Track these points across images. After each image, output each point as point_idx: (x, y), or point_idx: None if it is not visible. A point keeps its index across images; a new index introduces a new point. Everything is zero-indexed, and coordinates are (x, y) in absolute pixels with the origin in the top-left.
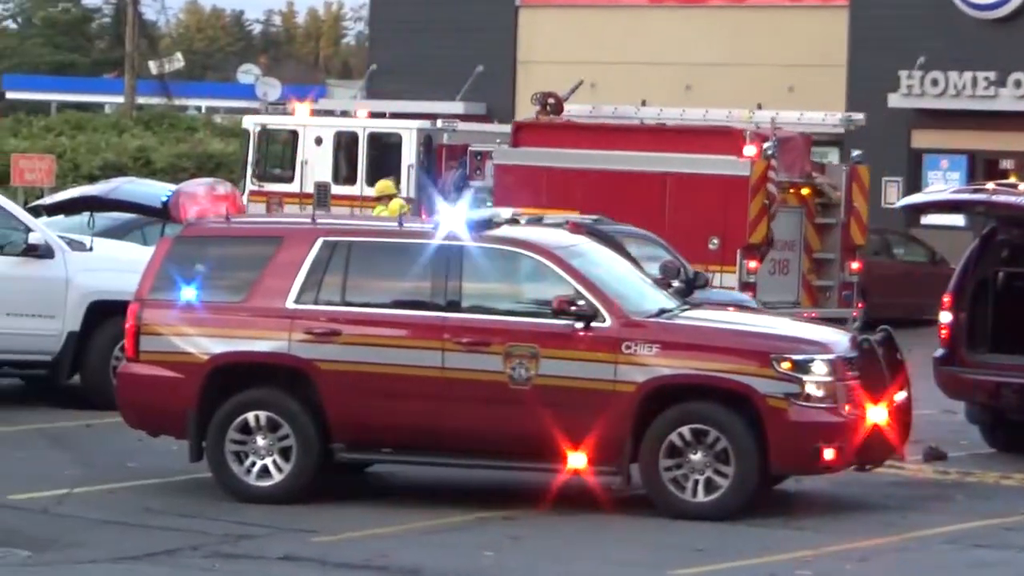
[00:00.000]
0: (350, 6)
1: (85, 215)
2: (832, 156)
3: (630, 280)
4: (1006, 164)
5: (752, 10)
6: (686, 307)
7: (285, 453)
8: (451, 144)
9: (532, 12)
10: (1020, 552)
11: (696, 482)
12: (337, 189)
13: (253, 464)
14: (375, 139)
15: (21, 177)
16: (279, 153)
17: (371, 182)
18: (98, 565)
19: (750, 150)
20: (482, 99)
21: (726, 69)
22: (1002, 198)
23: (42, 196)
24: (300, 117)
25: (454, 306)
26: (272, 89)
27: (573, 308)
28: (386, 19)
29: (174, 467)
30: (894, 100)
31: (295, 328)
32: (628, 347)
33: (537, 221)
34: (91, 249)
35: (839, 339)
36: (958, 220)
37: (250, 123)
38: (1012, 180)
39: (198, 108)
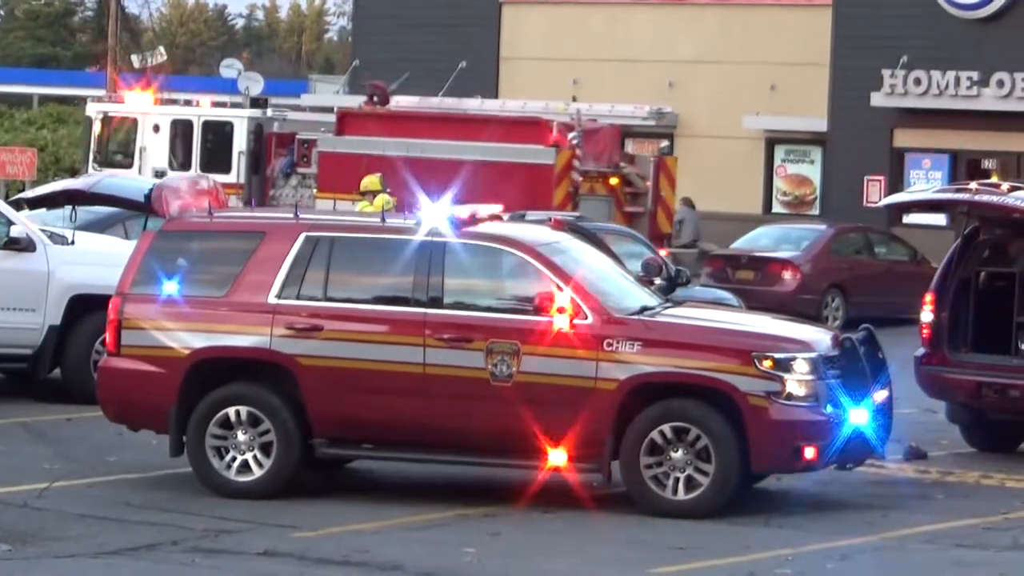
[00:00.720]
0: (333, 1)
1: (67, 209)
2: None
3: (612, 277)
4: (988, 164)
5: (736, 8)
6: (668, 305)
7: (266, 448)
8: (280, 132)
9: (516, 9)
10: (1000, 552)
11: (677, 480)
12: (173, 175)
13: (234, 459)
14: (209, 127)
15: (3, 170)
16: (120, 139)
17: (205, 168)
18: (78, 559)
19: (555, 140)
20: (465, 95)
21: (709, 67)
22: (984, 198)
23: (24, 189)
24: (141, 105)
25: (436, 302)
26: (254, 84)
27: (555, 305)
28: (370, 14)
29: (154, 462)
30: (877, 99)
31: (277, 323)
32: (610, 344)
33: (520, 218)
34: (73, 243)
35: (821, 338)
36: (940, 219)
37: (93, 110)
38: (994, 180)
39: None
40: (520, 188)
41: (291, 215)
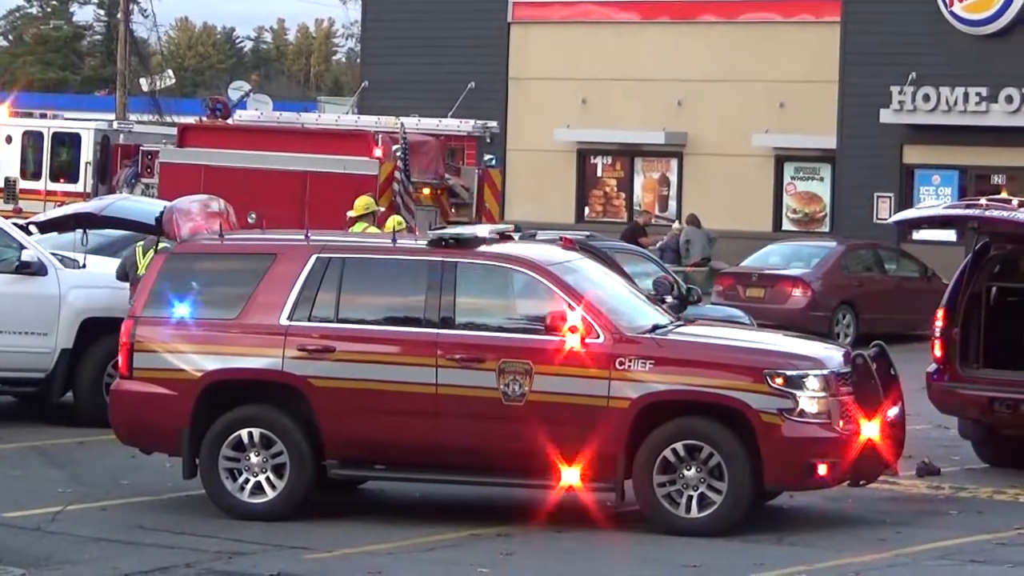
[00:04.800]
0: (341, 23)
1: (78, 232)
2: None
3: (624, 296)
4: (997, 179)
5: (744, 26)
6: (680, 323)
7: (279, 470)
8: (126, 144)
9: (524, 29)
10: (1013, 567)
11: (690, 498)
12: (24, 183)
13: (247, 481)
14: (58, 138)
15: None
16: None
17: (54, 177)
18: None
19: (378, 152)
20: (474, 115)
21: (718, 85)
22: (995, 213)
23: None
24: None
25: (448, 322)
26: (263, 106)
27: (567, 324)
28: (378, 36)
29: (167, 484)
30: (886, 116)
31: (288, 345)
32: (622, 363)
33: (531, 237)
34: (84, 266)
35: (833, 354)
36: (950, 235)
37: None
38: (1004, 195)
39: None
40: (347, 197)
41: (302, 236)
